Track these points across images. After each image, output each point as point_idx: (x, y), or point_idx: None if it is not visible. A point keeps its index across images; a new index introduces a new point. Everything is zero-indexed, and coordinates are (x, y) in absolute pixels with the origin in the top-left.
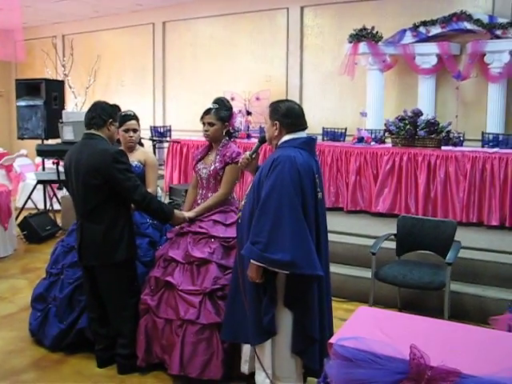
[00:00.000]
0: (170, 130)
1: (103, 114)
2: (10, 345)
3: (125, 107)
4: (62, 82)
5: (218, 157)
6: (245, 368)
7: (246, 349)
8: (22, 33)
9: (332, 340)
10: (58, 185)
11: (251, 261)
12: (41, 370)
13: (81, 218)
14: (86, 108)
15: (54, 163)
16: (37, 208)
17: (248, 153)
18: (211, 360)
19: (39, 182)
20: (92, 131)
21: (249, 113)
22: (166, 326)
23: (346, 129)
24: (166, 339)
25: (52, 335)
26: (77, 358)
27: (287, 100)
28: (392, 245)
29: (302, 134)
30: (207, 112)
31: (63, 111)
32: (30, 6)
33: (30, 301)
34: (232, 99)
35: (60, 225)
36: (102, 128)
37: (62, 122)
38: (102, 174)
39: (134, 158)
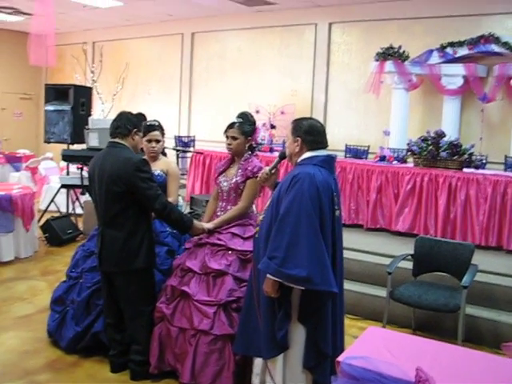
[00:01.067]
0: (194, 140)
1: (128, 123)
2: (27, 345)
3: (150, 116)
4: (90, 89)
5: (240, 170)
6: (256, 381)
7: (258, 362)
8: (53, 38)
9: (340, 358)
10: (81, 190)
11: (267, 275)
12: (55, 371)
13: (102, 225)
14: (112, 115)
15: (78, 168)
16: (59, 211)
17: (267, 168)
18: (222, 371)
19: (63, 186)
20: (117, 140)
21: (273, 126)
22: (180, 334)
23: (368, 146)
24: (178, 348)
25: (68, 337)
26: (91, 362)
27: (310, 118)
28: (409, 265)
29: (323, 152)
30: (231, 126)
31: (90, 118)
32: (63, 13)
33: (50, 302)
34: (257, 112)
35: (81, 229)
36: (127, 137)
37: (88, 129)
38: (125, 182)
39: (157, 167)
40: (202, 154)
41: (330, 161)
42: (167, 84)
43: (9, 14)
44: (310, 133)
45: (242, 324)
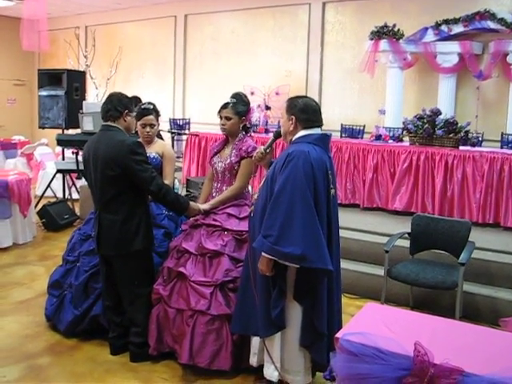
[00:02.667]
0: (189, 123)
1: (119, 105)
2: (27, 329)
3: (145, 99)
4: (83, 73)
5: (234, 151)
6: (253, 360)
7: (256, 341)
8: (46, 23)
9: (338, 334)
10: (76, 174)
11: (262, 253)
12: (55, 354)
13: (99, 209)
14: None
15: (73, 153)
16: (56, 197)
17: (262, 147)
18: (220, 351)
19: (59, 171)
20: (109, 123)
21: (268, 107)
22: (177, 315)
23: (364, 126)
24: (176, 329)
25: (67, 321)
26: (90, 345)
27: (305, 96)
28: (406, 243)
29: (317, 131)
30: (224, 106)
31: (83, 102)
32: None
33: (47, 287)
34: (251, 93)
35: (78, 214)
36: (119, 119)
37: (82, 113)
38: (119, 165)
39: (152, 150)
40: (197, 135)
41: (324, 139)
42: (161, 67)
43: None
44: (305, 111)
45: (239, 304)
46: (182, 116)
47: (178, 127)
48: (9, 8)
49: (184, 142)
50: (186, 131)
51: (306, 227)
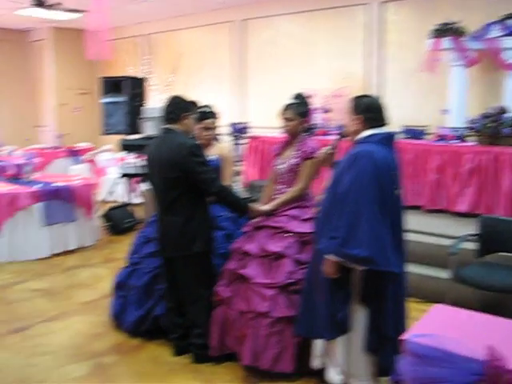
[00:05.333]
0: (248, 127)
1: (178, 108)
2: (92, 329)
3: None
4: (143, 80)
5: (296, 152)
6: (316, 363)
7: (318, 344)
8: (108, 33)
9: (405, 336)
10: (139, 179)
11: (328, 256)
12: (120, 354)
13: (161, 211)
14: None
15: (136, 157)
16: (118, 201)
17: (326, 148)
18: (282, 353)
19: (123, 175)
20: (169, 125)
21: (327, 110)
22: (239, 317)
23: (426, 126)
24: (238, 331)
25: (130, 321)
26: (154, 345)
27: (369, 95)
28: (470, 246)
29: (382, 130)
30: (286, 107)
31: (144, 107)
32: (116, 8)
33: (112, 288)
34: (311, 97)
35: (142, 217)
36: (178, 122)
37: (143, 118)
38: (180, 167)
39: (211, 152)
40: (257, 138)
41: (389, 138)
42: (219, 72)
43: (65, 11)
44: (370, 110)
45: (302, 306)
46: (242, 120)
47: (238, 131)
48: (73, 21)
49: (244, 146)
50: (246, 135)
51: (372, 229)
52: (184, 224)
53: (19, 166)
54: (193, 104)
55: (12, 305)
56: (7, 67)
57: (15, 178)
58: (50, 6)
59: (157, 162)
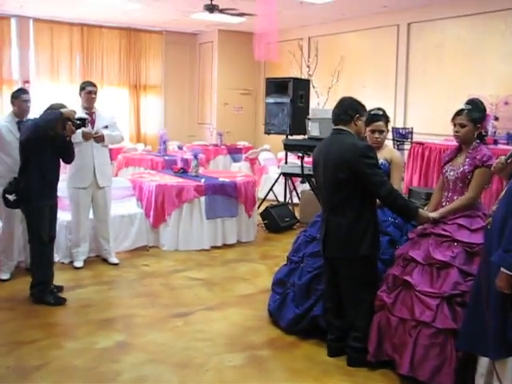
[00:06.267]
0: (411, 132)
1: (350, 109)
2: (249, 321)
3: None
4: (308, 81)
5: (468, 159)
6: (480, 382)
7: (484, 361)
8: (276, 36)
9: None
10: (299, 179)
11: (502, 269)
12: (275, 349)
13: (327, 211)
14: (327, 107)
15: (298, 158)
16: (277, 200)
17: (503, 157)
18: (443, 366)
19: (283, 174)
20: (340, 126)
21: (496, 118)
22: (400, 325)
23: None
24: (398, 338)
25: (288, 318)
26: (308, 344)
27: None
28: None
29: None
30: (459, 113)
31: (311, 108)
32: (280, 11)
33: (271, 284)
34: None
35: (298, 218)
36: (350, 123)
37: (309, 119)
38: (350, 168)
39: (381, 156)
40: (422, 144)
41: None
42: (382, 76)
43: (234, 15)
44: None
45: (467, 319)
46: (404, 125)
47: (401, 136)
48: (240, 24)
49: (406, 152)
50: (409, 140)
51: None
52: (351, 226)
53: (187, 161)
54: (363, 106)
55: (175, 291)
56: (178, 68)
57: (183, 172)
58: (221, 11)
59: (325, 163)
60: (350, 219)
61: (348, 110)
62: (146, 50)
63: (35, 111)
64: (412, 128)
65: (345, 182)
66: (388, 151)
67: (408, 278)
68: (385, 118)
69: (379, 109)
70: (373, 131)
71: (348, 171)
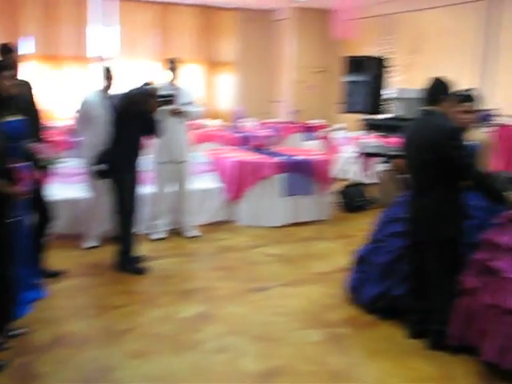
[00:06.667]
0: (497, 115)
1: (440, 90)
2: (327, 299)
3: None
4: (386, 60)
5: None
6: None
7: None
8: (355, 13)
9: None
10: (376, 159)
11: None
12: (353, 327)
13: (414, 193)
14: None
15: (376, 137)
16: (353, 180)
17: None
18: None
19: (363, 154)
20: (429, 107)
21: None
22: (484, 311)
23: None
24: (483, 324)
25: (368, 297)
26: (387, 324)
27: None
28: None
29: None
30: None
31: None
32: None
33: (352, 262)
34: None
35: (378, 198)
36: (439, 104)
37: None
38: (436, 150)
39: (470, 137)
40: (507, 127)
41: None
42: (463, 55)
43: None
44: None
45: None
46: (491, 106)
47: (484, 118)
48: (316, 1)
49: (492, 134)
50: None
51: None
52: (437, 208)
53: (263, 138)
54: (453, 87)
55: (252, 266)
56: (252, 45)
57: (259, 149)
58: None
59: (415, 144)
60: (436, 201)
61: (437, 90)
62: (221, 28)
63: (120, 87)
64: (497, 110)
65: (431, 163)
66: (478, 133)
67: (496, 263)
68: (475, 99)
69: (470, 89)
70: (464, 112)
71: (434, 153)
